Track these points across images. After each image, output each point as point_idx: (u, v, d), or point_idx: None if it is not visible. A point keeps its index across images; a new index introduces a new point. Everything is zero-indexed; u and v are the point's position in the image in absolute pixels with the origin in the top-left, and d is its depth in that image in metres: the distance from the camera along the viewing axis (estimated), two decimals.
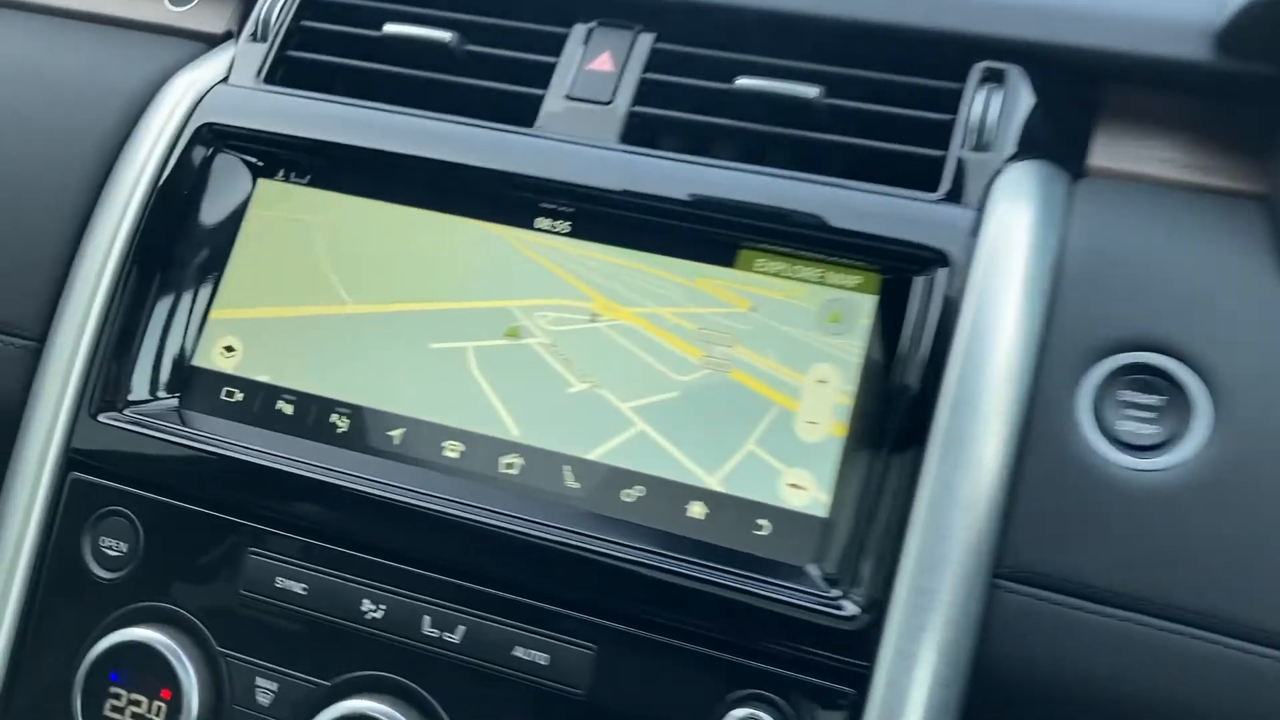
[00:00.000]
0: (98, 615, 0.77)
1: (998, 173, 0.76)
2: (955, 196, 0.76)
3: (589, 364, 0.77)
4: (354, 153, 0.83)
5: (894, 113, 0.79)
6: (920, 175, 0.77)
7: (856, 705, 0.67)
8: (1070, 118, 0.80)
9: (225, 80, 0.89)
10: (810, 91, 0.79)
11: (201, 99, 0.87)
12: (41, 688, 0.78)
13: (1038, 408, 0.68)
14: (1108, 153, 0.79)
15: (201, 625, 0.76)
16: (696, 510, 0.73)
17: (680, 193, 0.77)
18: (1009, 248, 0.71)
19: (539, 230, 0.80)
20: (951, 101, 0.79)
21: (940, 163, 0.77)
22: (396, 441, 0.78)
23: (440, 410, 0.77)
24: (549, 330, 0.78)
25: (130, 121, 0.87)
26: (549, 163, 0.80)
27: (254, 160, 0.86)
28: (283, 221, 0.84)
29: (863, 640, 0.67)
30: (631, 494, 0.74)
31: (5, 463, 0.81)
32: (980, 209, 0.74)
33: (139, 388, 0.82)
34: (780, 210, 0.75)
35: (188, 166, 0.85)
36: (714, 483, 0.72)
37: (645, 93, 0.83)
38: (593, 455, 0.74)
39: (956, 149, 0.77)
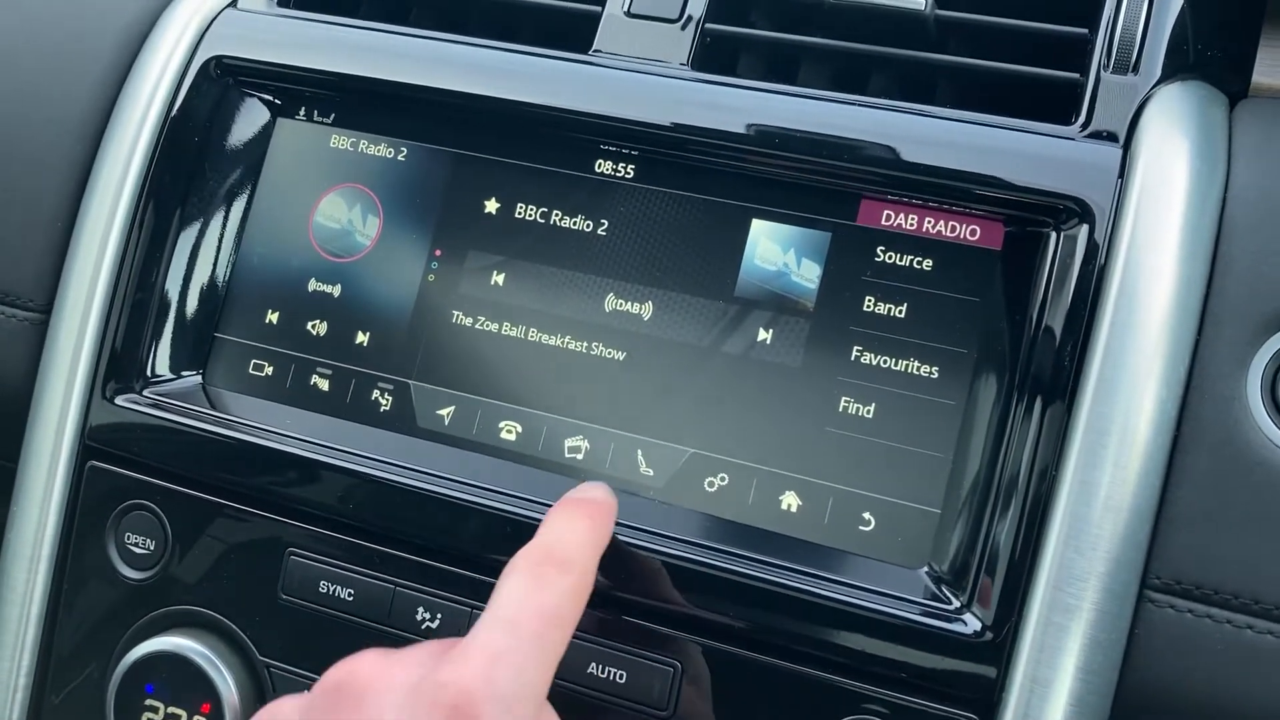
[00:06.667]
0: (128, 619, 0.70)
1: (1146, 99, 0.64)
2: (1094, 129, 0.64)
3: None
4: (383, 87, 0.72)
5: (1019, 26, 0.67)
6: (1048, 104, 0.65)
7: None
8: (1229, 24, 0.67)
9: (234, 3, 0.78)
10: (919, 2, 0.67)
11: (208, 27, 0.76)
12: (72, 697, 0.71)
13: (1199, 390, 0.58)
14: (1277, 66, 0.66)
15: (240, 632, 0.69)
16: (789, 501, 0.64)
17: (811, 129, 0.64)
18: (1163, 195, 0.60)
19: (599, 175, 0.69)
20: (1087, 10, 0.66)
21: (1074, 88, 0.65)
22: (447, 422, 0.69)
23: (496, 386, 0.68)
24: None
25: (129, 55, 0.77)
26: (608, 96, 0.69)
27: (271, 98, 0.75)
28: (307, 166, 0.74)
29: (989, 661, 0.58)
30: (714, 483, 0.65)
31: (17, 452, 0.73)
32: (1126, 145, 0.62)
33: (158, 363, 0.73)
34: (919, 153, 0.63)
35: (197, 106, 0.75)
36: (807, 469, 0.63)
37: (720, 6, 0.71)
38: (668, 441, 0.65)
39: (1095, 70, 0.65)
